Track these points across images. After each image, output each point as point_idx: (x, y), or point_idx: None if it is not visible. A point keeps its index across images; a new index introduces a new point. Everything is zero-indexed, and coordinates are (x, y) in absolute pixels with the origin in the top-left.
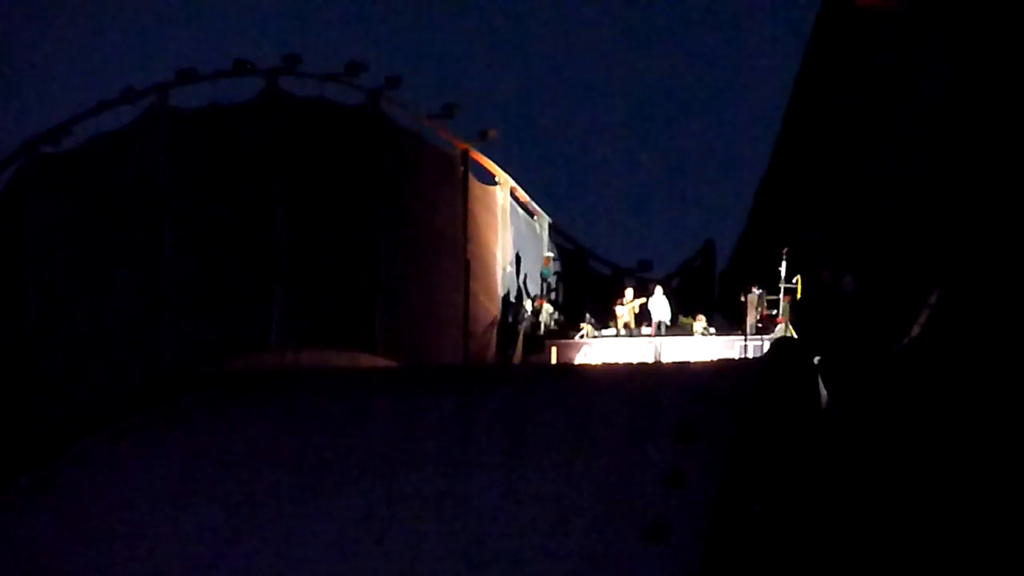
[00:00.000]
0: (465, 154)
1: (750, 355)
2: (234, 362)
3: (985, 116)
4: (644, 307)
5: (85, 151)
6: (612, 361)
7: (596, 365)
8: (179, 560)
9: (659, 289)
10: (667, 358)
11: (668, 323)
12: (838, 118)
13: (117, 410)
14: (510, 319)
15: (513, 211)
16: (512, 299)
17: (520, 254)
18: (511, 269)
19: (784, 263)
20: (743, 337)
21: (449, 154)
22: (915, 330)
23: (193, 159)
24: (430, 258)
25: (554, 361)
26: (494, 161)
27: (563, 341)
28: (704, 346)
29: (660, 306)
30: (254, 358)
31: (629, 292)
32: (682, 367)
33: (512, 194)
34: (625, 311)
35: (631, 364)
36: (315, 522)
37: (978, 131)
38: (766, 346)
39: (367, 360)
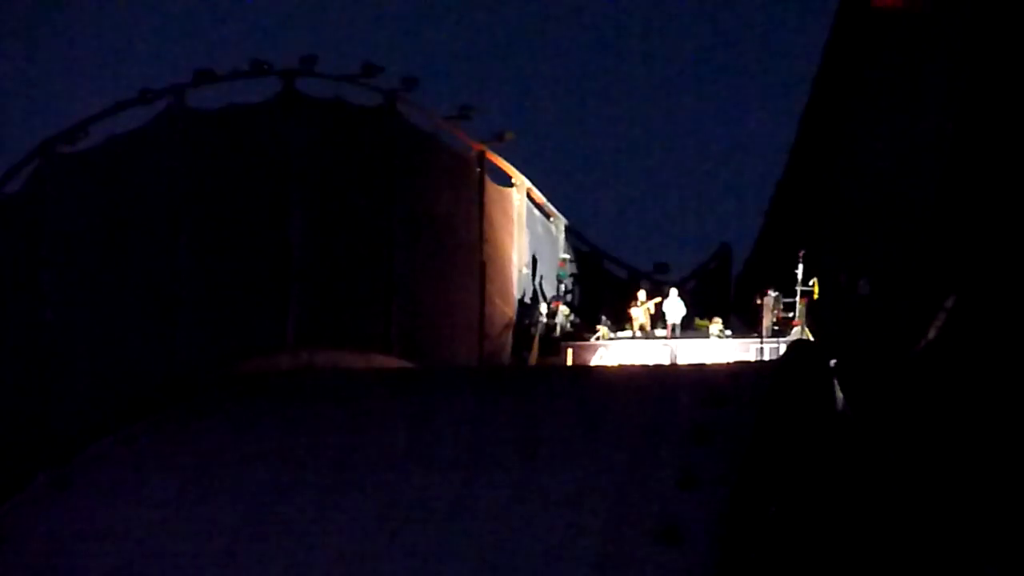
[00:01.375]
0: (481, 155)
1: (766, 358)
2: (250, 362)
3: (1002, 120)
4: (659, 307)
5: (102, 151)
6: (627, 363)
7: (611, 367)
8: (195, 559)
9: (674, 291)
10: (682, 360)
11: (682, 325)
12: (854, 122)
13: (133, 410)
14: (526, 321)
15: (529, 213)
16: (528, 301)
17: (536, 256)
18: (527, 271)
19: (800, 266)
20: (759, 339)
21: (465, 155)
22: (932, 333)
23: (210, 160)
24: (446, 259)
25: (570, 363)
26: (510, 163)
27: (579, 343)
28: (720, 348)
29: (675, 308)
30: (270, 359)
31: (642, 293)
32: (697, 369)
33: (528, 196)
34: (640, 312)
35: (646, 366)
36: (330, 522)
37: (996, 135)
38: (782, 348)
39: (383, 361)
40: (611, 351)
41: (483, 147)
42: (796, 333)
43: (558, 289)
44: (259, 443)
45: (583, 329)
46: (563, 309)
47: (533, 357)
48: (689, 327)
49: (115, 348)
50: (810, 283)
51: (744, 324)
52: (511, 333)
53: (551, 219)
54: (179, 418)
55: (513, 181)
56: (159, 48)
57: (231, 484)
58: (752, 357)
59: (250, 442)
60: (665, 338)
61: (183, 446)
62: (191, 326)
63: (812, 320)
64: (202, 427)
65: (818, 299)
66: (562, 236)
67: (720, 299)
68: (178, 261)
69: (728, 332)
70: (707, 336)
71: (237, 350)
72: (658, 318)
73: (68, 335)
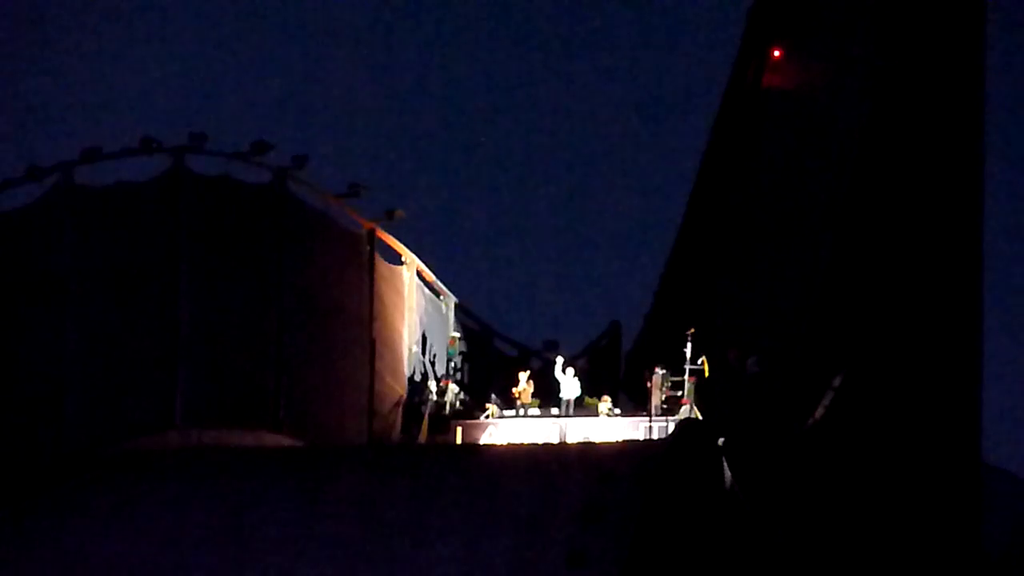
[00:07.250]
0: (371, 234)
1: (655, 436)
2: (138, 442)
3: (889, 202)
4: (530, 380)
5: None
6: (517, 441)
7: (501, 445)
8: None
9: (571, 369)
10: (572, 438)
11: (575, 402)
12: (743, 200)
13: (18, 489)
14: (415, 399)
15: (419, 291)
16: (417, 379)
17: (426, 334)
18: (417, 349)
19: (689, 344)
20: (648, 418)
21: (355, 233)
22: (819, 412)
23: (98, 237)
24: (336, 338)
25: (459, 441)
26: (401, 241)
27: (468, 421)
28: (609, 427)
29: (570, 385)
30: (159, 438)
31: (522, 376)
32: (587, 448)
33: (418, 274)
34: (522, 391)
35: (536, 444)
36: None
37: (881, 216)
38: (671, 427)
39: (271, 439)
40: (501, 429)
41: (373, 225)
42: (685, 412)
43: (448, 367)
44: (145, 522)
45: (473, 407)
46: (453, 387)
47: (423, 435)
48: (579, 405)
49: (2, 429)
50: (699, 361)
51: (633, 402)
52: (401, 411)
53: (441, 297)
54: (66, 498)
55: (403, 259)
56: (47, 126)
57: (117, 564)
58: (641, 435)
59: (136, 521)
60: (555, 416)
61: (69, 525)
62: (79, 404)
63: (700, 399)
64: (89, 507)
65: (708, 377)
66: (452, 314)
67: (610, 377)
68: (66, 338)
69: (617, 410)
70: (596, 414)
71: (126, 429)
72: (538, 392)
73: None
